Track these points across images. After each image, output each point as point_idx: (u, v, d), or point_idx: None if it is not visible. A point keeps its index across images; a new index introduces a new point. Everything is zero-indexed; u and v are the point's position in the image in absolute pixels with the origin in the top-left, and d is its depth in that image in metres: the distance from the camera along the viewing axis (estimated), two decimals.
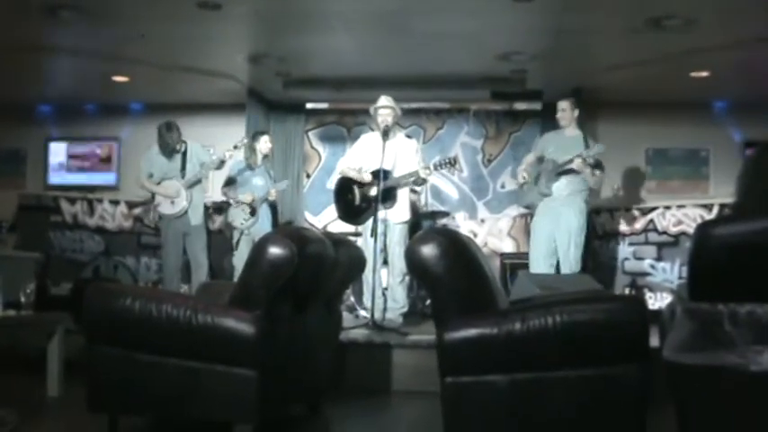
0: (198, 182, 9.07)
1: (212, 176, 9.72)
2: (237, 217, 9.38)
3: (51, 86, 11.17)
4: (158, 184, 9.03)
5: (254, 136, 9.79)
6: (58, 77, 10.71)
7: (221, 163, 9.05)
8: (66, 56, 9.61)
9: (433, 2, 7.94)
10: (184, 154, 9.10)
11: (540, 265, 8.40)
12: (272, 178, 9.83)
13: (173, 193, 8.96)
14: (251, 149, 9.51)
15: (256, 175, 9.56)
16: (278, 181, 10.01)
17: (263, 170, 9.65)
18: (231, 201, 9.44)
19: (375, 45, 9.20)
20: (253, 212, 9.36)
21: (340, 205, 8.40)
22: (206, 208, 9.50)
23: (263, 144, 9.57)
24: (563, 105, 8.61)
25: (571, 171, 8.30)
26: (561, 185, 8.37)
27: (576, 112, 8.60)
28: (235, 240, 9.43)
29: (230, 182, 9.49)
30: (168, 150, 8.99)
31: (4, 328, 5.79)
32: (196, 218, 9.07)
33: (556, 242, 8.39)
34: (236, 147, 9.15)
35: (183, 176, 8.99)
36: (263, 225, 9.38)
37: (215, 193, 10.30)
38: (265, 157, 9.67)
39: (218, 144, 10.46)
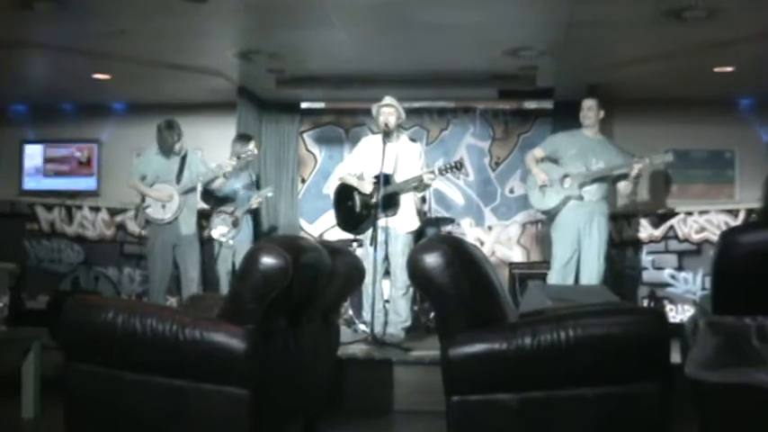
0: (192, 190, 9.05)
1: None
2: (218, 227, 9.37)
3: (26, 84, 11.12)
4: (151, 186, 9.01)
5: (240, 138, 9.81)
6: (34, 75, 10.67)
7: (223, 177, 9.02)
8: (43, 51, 9.57)
9: None
10: (184, 159, 9.08)
11: (563, 275, 8.43)
12: (255, 184, 9.84)
13: (165, 197, 8.92)
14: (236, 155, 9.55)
15: (239, 182, 9.58)
16: (262, 188, 10.02)
17: (245, 176, 9.65)
18: (212, 210, 9.46)
19: (375, 40, 9.18)
20: (235, 223, 9.36)
21: (339, 213, 8.41)
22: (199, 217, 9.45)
23: (249, 150, 9.59)
24: (590, 104, 8.70)
25: (604, 176, 8.40)
26: (593, 190, 8.47)
27: (602, 114, 8.69)
28: (215, 252, 9.41)
29: (211, 190, 9.47)
30: (166, 149, 8.97)
31: None
32: (187, 227, 9.01)
33: (581, 250, 8.43)
34: (239, 158, 9.15)
35: (178, 182, 8.97)
36: (246, 237, 9.39)
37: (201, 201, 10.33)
38: (249, 162, 9.66)
39: (207, 146, 10.48)
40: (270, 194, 10.09)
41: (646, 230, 10.41)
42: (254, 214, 9.87)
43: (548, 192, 8.59)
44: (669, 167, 10.49)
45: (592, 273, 8.41)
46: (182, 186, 8.95)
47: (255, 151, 9.61)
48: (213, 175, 8.99)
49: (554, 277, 8.53)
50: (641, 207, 10.96)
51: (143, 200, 9.06)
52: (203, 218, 10.05)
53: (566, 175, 8.52)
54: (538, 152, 8.87)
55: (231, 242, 9.27)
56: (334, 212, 8.54)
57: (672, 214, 10.37)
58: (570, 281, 8.43)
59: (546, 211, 8.77)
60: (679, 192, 11.55)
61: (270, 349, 4.48)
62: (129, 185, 9.26)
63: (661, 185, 11.55)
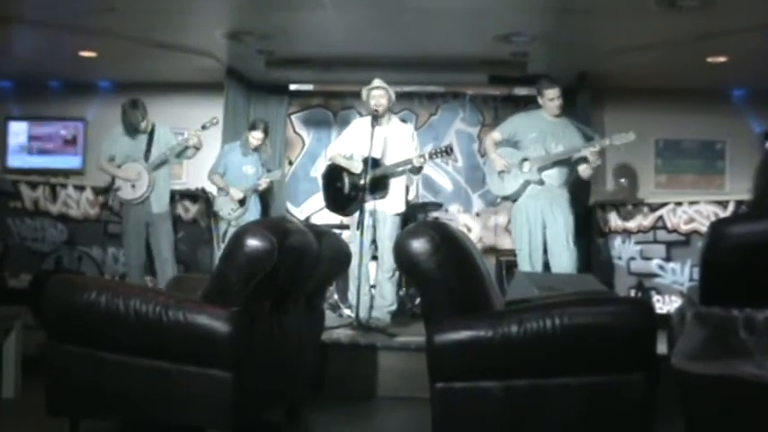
0: (162, 164, 8.98)
1: (186, 162, 9.66)
2: (225, 206, 9.44)
3: (11, 60, 11.06)
4: (120, 167, 8.97)
5: (251, 125, 9.94)
6: (19, 50, 10.61)
7: (194, 148, 9.00)
8: (29, 27, 9.52)
9: None
10: (151, 135, 9.03)
11: (532, 262, 8.33)
12: (265, 167, 9.84)
13: (133, 175, 8.84)
14: (245, 137, 9.64)
15: (247, 163, 9.64)
16: (272, 170, 10.04)
17: (255, 159, 9.70)
18: (218, 190, 9.52)
19: (365, 23, 9.18)
20: (242, 202, 9.40)
21: (328, 193, 8.40)
22: (179, 196, 9.44)
23: (251, 137, 9.61)
24: (557, 93, 8.40)
25: (564, 159, 8.27)
26: (554, 174, 8.26)
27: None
28: (221, 232, 9.52)
29: (219, 169, 9.53)
30: (131, 129, 8.88)
31: None
32: (159, 205, 8.94)
33: (546, 237, 8.31)
34: (204, 127, 9.10)
35: (147, 159, 8.92)
36: (254, 217, 9.41)
37: (189, 181, 10.29)
38: (257, 147, 9.70)
39: (194, 127, 10.46)
40: (278, 177, 10.15)
41: (634, 220, 10.41)
42: (262, 197, 9.92)
43: (506, 177, 8.37)
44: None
45: (563, 259, 8.21)
46: (150, 163, 8.86)
47: (257, 134, 9.63)
48: (181, 146, 8.95)
49: (523, 266, 8.36)
50: (627, 197, 10.98)
51: (113, 181, 9.02)
52: (191, 199, 10.08)
53: (524, 159, 8.35)
54: (496, 135, 8.59)
55: (234, 222, 9.30)
56: (323, 192, 8.54)
57: (660, 205, 10.36)
58: (539, 268, 8.33)
59: (506, 196, 8.55)
60: (668, 182, 11.59)
61: (254, 332, 4.48)
62: (97, 168, 9.22)
63: (649, 175, 11.58)
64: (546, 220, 8.26)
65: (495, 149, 8.50)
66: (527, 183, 8.28)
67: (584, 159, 8.23)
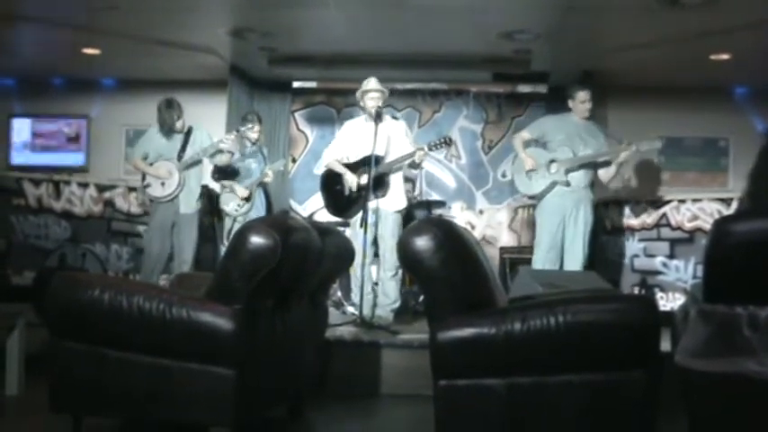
0: (194, 165, 9.02)
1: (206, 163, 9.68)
2: (230, 202, 9.42)
3: (15, 58, 11.06)
4: (152, 165, 8.99)
5: (243, 118, 9.89)
6: (23, 48, 10.62)
7: (228, 153, 9.01)
8: (32, 24, 9.53)
9: None
10: (187, 136, 9.06)
11: (548, 260, 8.41)
12: (267, 159, 9.85)
13: (164, 173, 8.87)
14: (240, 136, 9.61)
15: (249, 158, 9.62)
16: (274, 161, 10.04)
17: (255, 152, 9.68)
18: (222, 188, 9.50)
19: (368, 20, 9.16)
20: (248, 198, 9.39)
21: (328, 197, 8.40)
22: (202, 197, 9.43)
23: (249, 132, 9.59)
24: (588, 96, 8.60)
25: (590, 162, 8.39)
26: (580, 177, 8.46)
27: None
28: (227, 229, 9.47)
29: (222, 169, 9.51)
30: (166, 129, 8.94)
31: None
32: (187, 205, 8.97)
33: (565, 236, 8.42)
34: (237, 131, 9.17)
35: (180, 159, 8.94)
36: (259, 211, 9.42)
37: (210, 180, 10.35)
38: (257, 140, 9.71)
39: (198, 124, 10.50)
40: (282, 168, 10.14)
41: (638, 218, 10.41)
42: (267, 191, 9.94)
43: (534, 177, 8.56)
44: (657, 155, 10.25)
45: (577, 259, 8.42)
46: (182, 163, 8.90)
47: (256, 127, 9.62)
48: (214, 149, 8.95)
49: (539, 262, 8.51)
50: (633, 194, 10.97)
51: (144, 178, 9.02)
52: (212, 198, 10.08)
53: (552, 161, 8.49)
54: (525, 134, 8.83)
55: (241, 217, 9.28)
56: (322, 197, 8.54)
57: (664, 203, 10.36)
58: (555, 266, 8.42)
59: (532, 195, 8.74)
60: (672, 179, 11.58)
61: (257, 330, 4.48)
62: (129, 164, 9.23)
63: (653, 173, 11.56)
64: (567, 221, 8.47)
65: (524, 149, 8.70)
66: (554, 183, 8.48)
67: (607, 163, 8.52)
